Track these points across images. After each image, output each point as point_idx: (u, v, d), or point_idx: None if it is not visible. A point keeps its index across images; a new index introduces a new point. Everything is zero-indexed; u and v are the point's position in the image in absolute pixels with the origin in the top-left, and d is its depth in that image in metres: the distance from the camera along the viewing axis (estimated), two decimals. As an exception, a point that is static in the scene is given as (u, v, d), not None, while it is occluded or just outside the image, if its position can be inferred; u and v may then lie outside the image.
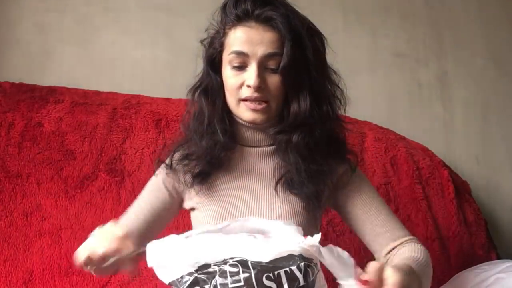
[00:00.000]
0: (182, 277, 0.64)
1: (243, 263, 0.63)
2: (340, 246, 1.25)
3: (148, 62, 1.66)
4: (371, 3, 1.84)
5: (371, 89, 1.75)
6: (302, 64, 0.85)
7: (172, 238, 0.67)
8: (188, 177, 0.92)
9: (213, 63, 0.91)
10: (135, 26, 1.67)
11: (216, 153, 0.89)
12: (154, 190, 0.98)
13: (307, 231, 0.89)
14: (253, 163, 0.93)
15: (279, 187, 0.89)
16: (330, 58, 0.94)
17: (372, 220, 0.90)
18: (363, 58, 1.77)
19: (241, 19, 0.85)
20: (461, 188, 1.54)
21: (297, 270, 0.63)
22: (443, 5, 1.89)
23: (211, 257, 0.64)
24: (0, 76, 1.48)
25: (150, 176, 1.35)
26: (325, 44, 0.91)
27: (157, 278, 0.69)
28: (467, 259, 1.41)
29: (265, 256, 0.63)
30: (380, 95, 1.78)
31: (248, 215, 0.88)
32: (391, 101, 1.78)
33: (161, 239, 0.68)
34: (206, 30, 0.92)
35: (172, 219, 1.02)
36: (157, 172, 0.99)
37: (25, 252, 1.21)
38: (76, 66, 1.61)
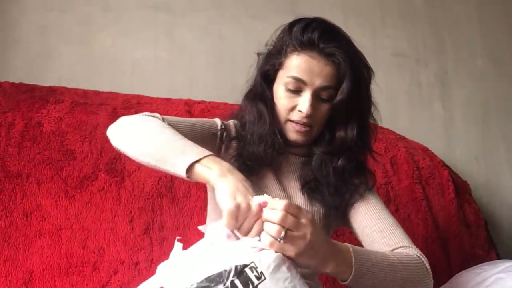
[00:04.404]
0: None
1: None
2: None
3: (148, 62, 1.66)
4: (371, 3, 1.84)
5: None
6: (355, 99, 0.91)
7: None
8: (233, 162, 0.93)
9: (267, 77, 0.96)
10: (135, 26, 1.67)
11: (269, 156, 0.93)
12: (208, 123, 0.98)
13: None
14: (288, 167, 0.99)
15: (305, 190, 0.95)
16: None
17: (372, 226, 0.92)
18: (363, 58, 1.78)
19: (305, 46, 0.89)
20: (461, 188, 1.54)
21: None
22: (443, 5, 1.89)
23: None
24: (0, 76, 1.48)
25: (150, 176, 1.36)
26: (372, 78, 0.97)
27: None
28: (467, 259, 1.41)
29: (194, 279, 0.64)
30: (380, 95, 1.77)
31: None
32: (391, 101, 1.78)
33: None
34: (266, 46, 0.97)
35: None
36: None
37: (25, 252, 1.21)
38: (76, 66, 1.61)
